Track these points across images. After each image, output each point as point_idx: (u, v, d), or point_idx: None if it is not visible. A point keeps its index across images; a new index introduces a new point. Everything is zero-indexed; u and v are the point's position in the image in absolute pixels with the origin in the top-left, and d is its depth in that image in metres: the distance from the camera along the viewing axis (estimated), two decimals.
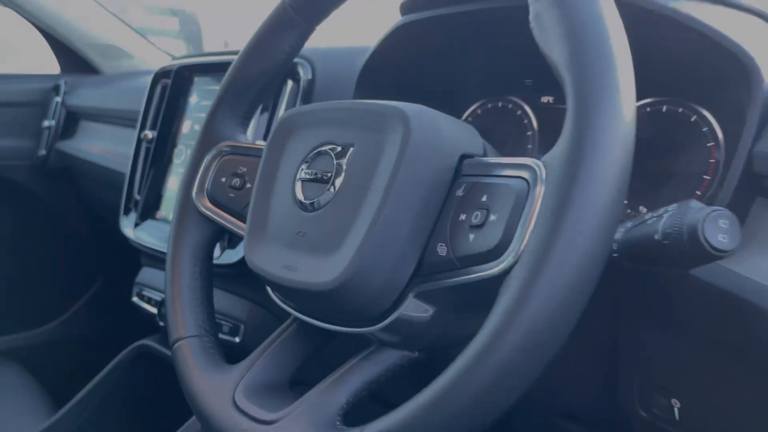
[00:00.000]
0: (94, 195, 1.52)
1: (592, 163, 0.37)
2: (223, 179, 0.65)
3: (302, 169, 0.53)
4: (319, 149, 0.53)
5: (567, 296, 0.37)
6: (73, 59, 1.63)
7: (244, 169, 0.64)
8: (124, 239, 1.15)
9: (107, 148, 1.39)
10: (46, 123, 1.53)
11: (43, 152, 1.52)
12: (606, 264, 0.43)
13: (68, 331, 1.63)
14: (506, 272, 0.39)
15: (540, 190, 0.40)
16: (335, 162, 0.51)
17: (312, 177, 0.52)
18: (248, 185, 0.63)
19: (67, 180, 1.55)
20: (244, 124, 0.68)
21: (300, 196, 0.52)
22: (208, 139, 0.67)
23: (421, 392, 0.40)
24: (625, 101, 0.39)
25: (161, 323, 1.00)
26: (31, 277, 1.61)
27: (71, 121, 1.54)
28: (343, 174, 0.50)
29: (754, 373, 0.47)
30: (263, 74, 0.65)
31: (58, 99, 1.53)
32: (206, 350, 0.58)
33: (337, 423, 0.47)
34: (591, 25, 0.40)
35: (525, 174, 0.42)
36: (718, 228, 0.40)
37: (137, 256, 1.20)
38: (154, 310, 1.04)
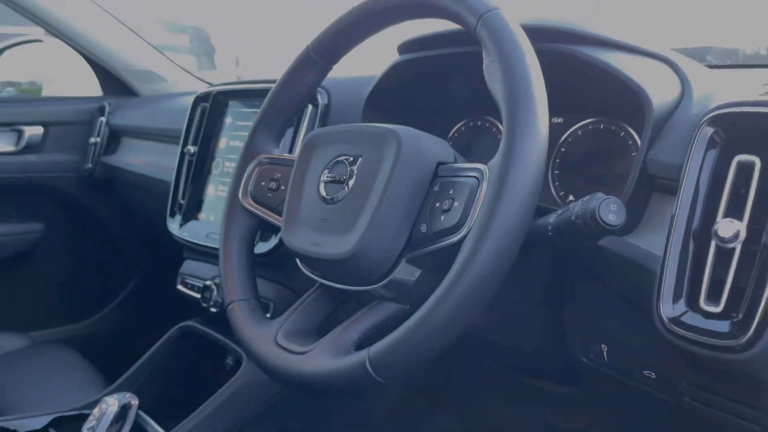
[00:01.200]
0: (135, 201, 1.70)
1: (517, 168, 0.57)
2: (263, 183, 0.83)
3: (325, 174, 0.72)
4: (337, 159, 0.72)
5: (500, 253, 0.56)
6: (114, 82, 1.82)
7: (279, 175, 0.82)
8: (164, 238, 1.30)
9: (148, 160, 1.57)
10: (92, 140, 1.71)
11: (89, 165, 1.70)
12: (537, 237, 0.62)
13: (115, 320, 1.81)
14: (462, 240, 0.59)
15: (485, 185, 0.59)
16: (349, 168, 0.70)
17: (332, 179, 0.71)
18: (282, 187, 0.81)
19: (111, 189, 1.73)
20: (278, 141, 0.86)
21: (323, 193, 0.71)
22: (250, 152, 0.85)
23: (407, 321, 0.59)
24: (540, 127, 0.58)
25: (204, 304, 1.18)
26: (79, 275, 1.80)
27: (114, 138, 1.72)
28: (354, 177, 0.69)
29: (645, 319, 0.65)
30: (291, 102, 0.84)
31: (103, 119, 1.71)
32: (253, 309, 0.77)
33: (352, 350, 0.65)
34: (520, 76, 0.60)
35: (477, 174, 0.61)
36: (609, 210, 0.59)
37: (174, 253, 1.34)
38: (197, 295, 1.21)
